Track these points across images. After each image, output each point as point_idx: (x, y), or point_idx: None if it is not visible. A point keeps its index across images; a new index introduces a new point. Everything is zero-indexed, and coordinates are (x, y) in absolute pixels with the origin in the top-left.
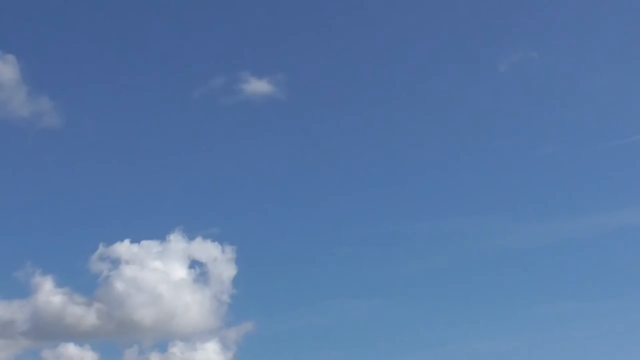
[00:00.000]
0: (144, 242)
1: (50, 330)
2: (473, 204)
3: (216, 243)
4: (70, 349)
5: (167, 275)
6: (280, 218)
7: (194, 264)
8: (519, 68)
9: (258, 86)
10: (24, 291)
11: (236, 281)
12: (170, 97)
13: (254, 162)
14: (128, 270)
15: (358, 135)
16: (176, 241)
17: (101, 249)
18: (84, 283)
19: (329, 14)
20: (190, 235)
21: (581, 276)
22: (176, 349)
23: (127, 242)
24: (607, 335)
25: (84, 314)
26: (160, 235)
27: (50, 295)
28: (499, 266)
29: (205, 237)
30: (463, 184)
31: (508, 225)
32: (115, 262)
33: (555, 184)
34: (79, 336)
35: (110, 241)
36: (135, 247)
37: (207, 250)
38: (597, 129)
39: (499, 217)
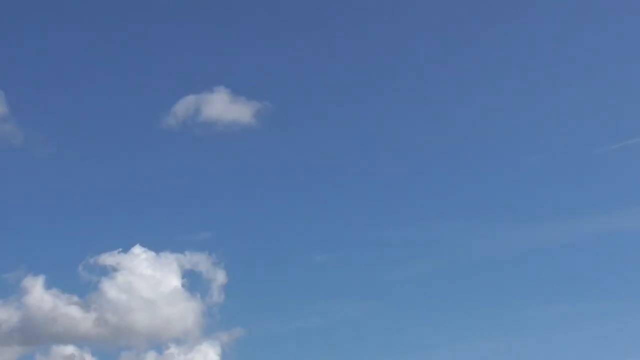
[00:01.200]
0: (136, 251)
1: (42, 333)
2: (472, 207)
3: (206, 252)
4: (67, 350)
5: (159, 283)
6: (272, 223)
7: (185, 272)
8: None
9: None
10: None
11: (226, 287)
12: (153, 115)
13: (247, 164)
14: (120, 278)
15: (356, 136)
16: (167, 249)
17: (93, 257)
18: (78, 288)
19: (312, 33)
20: (181, 243)
21: (577, 278)
22: (170, 353)
23: (119, 250)
24: (603, 336)
25: (79, 317)
26: (152, 243)
27: (42, 297)
28: (496, 268)
29: (195, 244)
30: (461, 188)
31: (506, 228)
32: (109, 270)
33: (546, 188)
34: (73, 339)
35: (106, 249)
36: (127, 256)
37: (197, 257)
38: (585, 135)
39: (497, 220)
